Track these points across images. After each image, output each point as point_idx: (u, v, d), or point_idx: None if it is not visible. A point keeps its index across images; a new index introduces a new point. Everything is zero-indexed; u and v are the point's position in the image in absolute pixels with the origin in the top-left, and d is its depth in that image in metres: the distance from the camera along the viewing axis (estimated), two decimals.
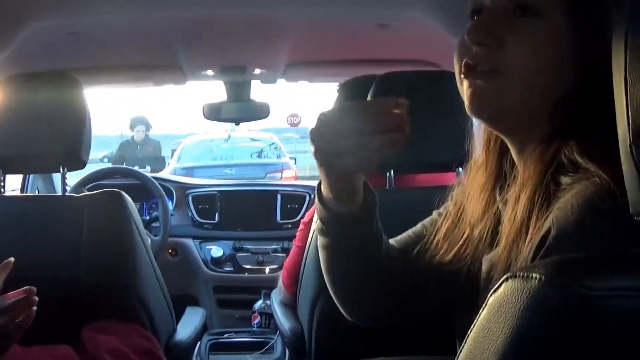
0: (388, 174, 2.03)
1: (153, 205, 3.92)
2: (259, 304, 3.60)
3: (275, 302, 2.82)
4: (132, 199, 2.33)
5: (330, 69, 3.05)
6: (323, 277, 1.29)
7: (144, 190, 3.73)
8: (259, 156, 12.17)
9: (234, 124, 3.46)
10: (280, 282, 2.77)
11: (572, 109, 0.97)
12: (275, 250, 3.92)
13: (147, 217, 3.81)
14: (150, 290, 2.34)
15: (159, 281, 2.43)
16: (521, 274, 0.69)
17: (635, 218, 0.73)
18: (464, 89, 1.04)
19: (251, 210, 4.04)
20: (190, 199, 4.06)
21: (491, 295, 0.73)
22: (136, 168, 4.47)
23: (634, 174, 0.71)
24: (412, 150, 1.14)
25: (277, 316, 2.70)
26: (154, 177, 3.93)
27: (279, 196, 4.00)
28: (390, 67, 2.51)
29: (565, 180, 0.92)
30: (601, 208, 0.83)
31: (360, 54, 2.96)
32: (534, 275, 0.67)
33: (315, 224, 1.24)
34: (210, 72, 3.05)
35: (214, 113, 3.21)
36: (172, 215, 3.83)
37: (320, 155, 1.08)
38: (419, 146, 1.13)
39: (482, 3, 1.05)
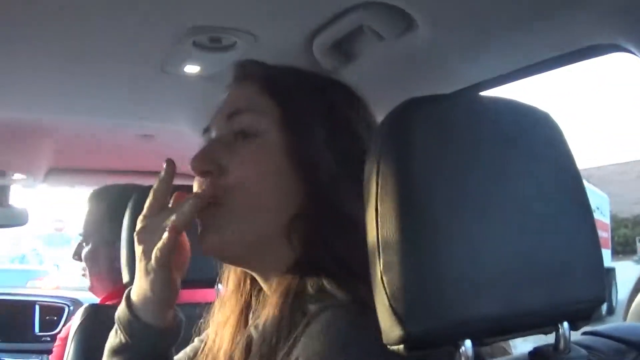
0: None
1: None
2: None
3: None
4: None
5: (93, 177, 2.99)
6: None
7: None
8: (21, 262, 11.62)
9: None
10: None
11: (308, 232, 0.97)
12: None
13: None
14: None
15: None
16: None
17: (388, 347, 0.74)
18: None
19: (9, 321, 3.83)
20: None
21: None
22: None
23: (385, 304, 0.73)
24: None
25: None
26: None
27: (37, 307, 3.83)
28: (155, 178, 2.49)
29: (312, 308, 0.90)
30: (347, 337, 0.82)
31: (126, 164, 2.93)
32: None
33: (109, 344, 1.15)
34: None
35: None
36: None
37: (144, 247, 1.04)
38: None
39: (210, 137, 1.08)
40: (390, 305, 0.72)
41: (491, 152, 0.79)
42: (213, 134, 1.07)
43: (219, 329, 1.13)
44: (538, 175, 0.81)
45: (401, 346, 0.72)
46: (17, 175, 2.91)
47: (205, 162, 1.02)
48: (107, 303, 2.19)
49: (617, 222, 21.45)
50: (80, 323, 1.99)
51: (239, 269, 1.13)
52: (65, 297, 3.93)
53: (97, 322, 1.93)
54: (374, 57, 1.45)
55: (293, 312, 0.92)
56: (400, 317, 0.71)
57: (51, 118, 2.26)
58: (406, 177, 0.74)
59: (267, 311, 0.97)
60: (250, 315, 1.10)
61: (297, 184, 0.99)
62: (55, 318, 3.80)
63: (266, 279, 1.04)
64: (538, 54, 1.35)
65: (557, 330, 0.82)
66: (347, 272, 0.89)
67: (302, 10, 1.32)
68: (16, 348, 3.78)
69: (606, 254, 13.61)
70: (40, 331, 3.80)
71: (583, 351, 0.85)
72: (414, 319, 0.71)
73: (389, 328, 0.73)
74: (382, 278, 0.73)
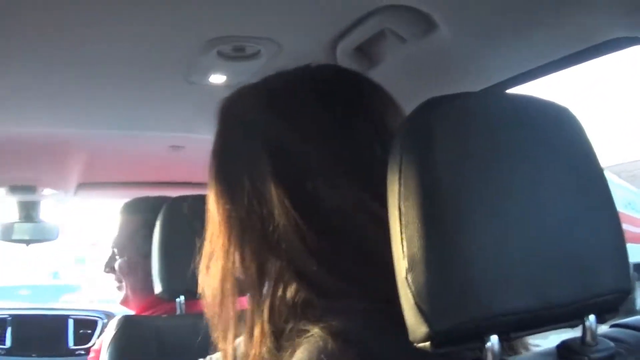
0: (178, 300, 1.98)
1: None
2: None
3: None
4: None
5: (124, 190, 3.01)
6: None
7: None
8: (54, 277, 11.73)
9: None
10: None
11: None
12: None
13: None
14: None
15: None
16: None
17: (414, 345, 0.75)
18: None
19: (44, 335, 3.88)
20: None
21: None
22: None
23: (411, 302, 0.73)
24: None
25: None
26: None
27: (70, 321, 3.87)
28: (185, 189, 2.51)
29: (285, 344, 0.86)
30: None
31: (155, 176, 2.94)
32: None
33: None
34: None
35: (6, 233, 3.13)
36: None
37: None
38: None
39: None
40: (416, 303, 0.73)
41: (512, 148, 0.80)
42: None
43: None
44: (560, 170, 0.82)
45: (427, 343, 0.73)
46: (47, 191, 2.95)
47: None
48: (141, 314, 2.21)
49: None
50: (114, 335, 2.00)
51: None
52: (99, 311, 3.96)
53: (130, 333, 1.95)
54: (398, 60, 1.45)
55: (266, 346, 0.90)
56: (425, 314, 0.72)
57: (80, 132, 2.29)
58: (428, 175, 0.75)
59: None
60: None
61: None
62: (89, 331, 3.84)
63: None
64: (562, 49, 1.34)
65: (583, 324, 0.82)
66: (322, 301, 0.87)
67: (324, 16, 1.34)
68: None
69: (638, 249, 13.43)
70: (74, 345, 3.84)
71: (611, 344, 0.85)
72: (439, 316, 0.72)
73: (415, 326, 0.74)
74: (406, 276, 0.74)
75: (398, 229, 0.75)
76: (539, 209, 0.78)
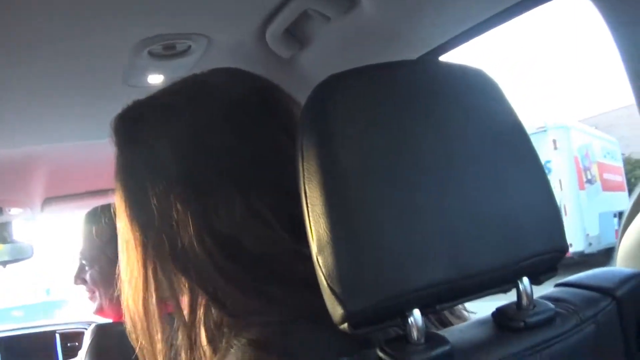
0: None
1: None
2: None
3: None
4: None
5: (90, 200, 2.99)
6: None
7: None
8: (47, 294, 11.72)
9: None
10: None
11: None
12: None
13: None
14: None
15: None
16: None
17: (339, 327, 0.72)
18: None
19: (34, 353, 3.87)
20: None
21: None
22: None
23: (324, 285, 0.71)
24: None
25: None
26: None
27: (57, 336, 3.86)
28: None
29: (207, 351, 0.87)
30: None
31: None
32: None
33: None
34: None
35: None
36: None
37: None
38: None
39: None
40: (328, 285, 0.70)
41: (423, 116, 0.77)
42: None
43: None
44: (477, 133, 0.79)
45: (345, 325, 0.71)
46: (14, 210, 2.92)
47: None
48: (116, 321, 2.20)
49: (631, 164, 21.23)
50: (90, 344, 1.99)
51: None
52: (82, 322, 3.95)
53: (105, 340, 1.94)
54: (328, 39, 1.44)
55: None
56: (338, 296, 0.70)
57: (38, 148, 2.26)
58: (327, 152, 0.73)
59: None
60: None
61: None
62: (77, 344, 3.83)
63: None
64: (494, 6, 1.32)
65: (517, 287, 0.79)
66: (240, 310, 0.86)
67: (247, 4, 1.32)
68: None
69: (623, 196, 13.51)
70: (63, 359, 3.83)
71: (550, 305, 0.82)
72: (352, 297, 0.70)
73: (332, 308, 0.71)
74: (317, 259, 0.71)
75: (306, 211, 0.73)
76: (455, 176, 0.76)
